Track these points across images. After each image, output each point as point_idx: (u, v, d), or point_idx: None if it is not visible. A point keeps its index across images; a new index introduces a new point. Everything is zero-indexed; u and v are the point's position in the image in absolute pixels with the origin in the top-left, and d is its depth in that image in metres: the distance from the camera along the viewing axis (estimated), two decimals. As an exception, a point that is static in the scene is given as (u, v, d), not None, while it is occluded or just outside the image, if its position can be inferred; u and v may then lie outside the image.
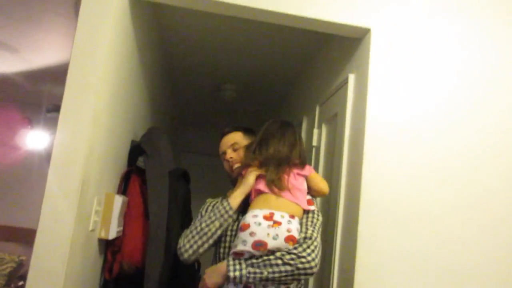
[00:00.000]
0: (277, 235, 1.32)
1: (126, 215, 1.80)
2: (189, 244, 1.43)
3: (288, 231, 1.33)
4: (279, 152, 1.49)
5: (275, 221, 1.34)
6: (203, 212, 1.59)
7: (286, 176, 1.46)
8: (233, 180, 1.67)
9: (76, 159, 1.36)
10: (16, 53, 3.19)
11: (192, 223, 1.54)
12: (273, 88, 3.52)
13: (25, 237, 4.22)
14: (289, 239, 1.33)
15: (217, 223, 1.44)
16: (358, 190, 1.58)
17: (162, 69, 3.00)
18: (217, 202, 1.63)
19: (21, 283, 3.83)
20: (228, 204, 1.46)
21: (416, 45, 1.71)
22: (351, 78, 1.83)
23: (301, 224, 1.42)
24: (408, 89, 1.67)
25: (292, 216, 1.38)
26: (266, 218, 1.35)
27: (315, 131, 2.29)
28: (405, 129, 1.64)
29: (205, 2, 1.64)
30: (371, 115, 1.62)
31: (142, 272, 1.65)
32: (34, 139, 4.53)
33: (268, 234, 1.32)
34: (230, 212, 1.46)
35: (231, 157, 1.65)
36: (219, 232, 1.44)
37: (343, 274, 1.63)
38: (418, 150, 1.64)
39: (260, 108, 4.13)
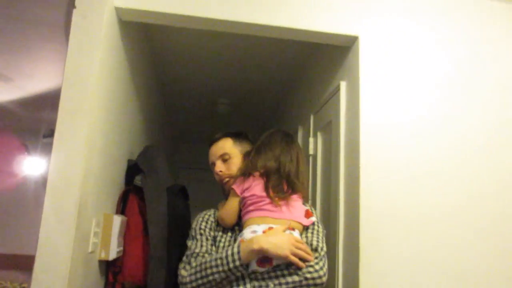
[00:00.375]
0: None
1: (126, 235, 1.80)
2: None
3: None
4: (284, 165, 1.41)
5: None
6: (196, 231, 1.45)
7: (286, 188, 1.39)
8: (226, 193, 1.55)
9: (72, 183, 1.36)
10: (10, 81, 3.21)
11: (190, 250, 1.40)
12: (267, 99, 3.54)
13: (26, 264, 4.18)
14: None
15: (223, 275, 1.25)
16: (357, 196, 1.58)
17: (155, 87, 3.02)
18: (209, 216, 1.52)
19: (24, 311, 3.79)
20: (239, 259, 1.23)
21: (405, 50, 1.73)
22: (343, 85, 1.84)
23: (301, 235, 1.36)
24: (400, 93, 1.69)
25: (292, 229, 1.32)
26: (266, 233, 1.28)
27: (311, 139, 2.30)
28: (399, 133, 1.65)
29: (194, 20, 1.66)
30: (364, 121, 1.63)
31: (144, 292, 1.64)
32: (31, 165, 4.53)
33: None
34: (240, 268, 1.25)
35: (220, 171, 1.51)
36: (225, 282, 1.27)
37: (348, 281, 1.62)
38: (413, 153, 1.64)
39: (255, 120, 4.15)
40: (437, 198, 1.62)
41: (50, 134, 4.10)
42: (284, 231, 1.29)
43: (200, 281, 1.26)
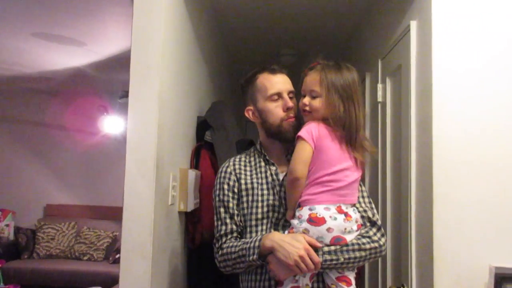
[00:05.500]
0: (351, 228, 1.25)
1: (201, 187, 1.90)
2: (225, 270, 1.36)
3: (356, 221, 1.28)
4: (359, 119, 1.28)
5: (346, 214, 1.25)
6: (219, 201, 1.39)
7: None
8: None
9: (149, 140, 1.45)
10: (84, 46, 3.40)
11: (216, 231, 1.38)
12: (332, 47, 3.43)
13: (116, 214, 4.63)
14: (359, 228, 1.29)
15: (247, 264, 1.29)
16: (430, 143, 1.52)
17: (219, 43, 3.04)
18: (230, 172, 1.41)
19: (118, 255, 4.24)
20: (254, 254, 1.25)
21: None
22: (413, 25, 1.72)
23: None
24: (478, 32, 1.54)
25: (353, 205, 1.30)
26: (339, 211, 1.24)
27: (379, 86, 2.21)
28: (476, 76, 1.52)
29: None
30: (437, 64, 1.53)
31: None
32: (111, 124, 4.87)
33: (345, 229, 1.24)
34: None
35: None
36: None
37: (421, 230, 1.60)
38: (492, 97, 1.52)
39: (321, 69, 4.05)
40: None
41: (125, 95, 4.34)
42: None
43: (231, 268, 1.32)
